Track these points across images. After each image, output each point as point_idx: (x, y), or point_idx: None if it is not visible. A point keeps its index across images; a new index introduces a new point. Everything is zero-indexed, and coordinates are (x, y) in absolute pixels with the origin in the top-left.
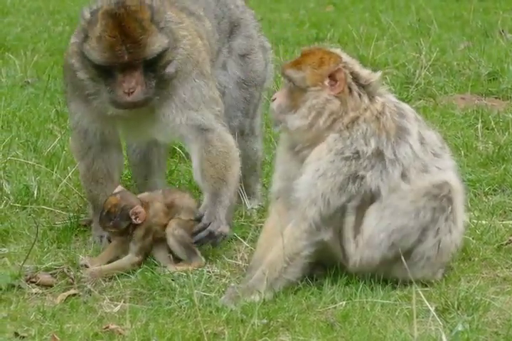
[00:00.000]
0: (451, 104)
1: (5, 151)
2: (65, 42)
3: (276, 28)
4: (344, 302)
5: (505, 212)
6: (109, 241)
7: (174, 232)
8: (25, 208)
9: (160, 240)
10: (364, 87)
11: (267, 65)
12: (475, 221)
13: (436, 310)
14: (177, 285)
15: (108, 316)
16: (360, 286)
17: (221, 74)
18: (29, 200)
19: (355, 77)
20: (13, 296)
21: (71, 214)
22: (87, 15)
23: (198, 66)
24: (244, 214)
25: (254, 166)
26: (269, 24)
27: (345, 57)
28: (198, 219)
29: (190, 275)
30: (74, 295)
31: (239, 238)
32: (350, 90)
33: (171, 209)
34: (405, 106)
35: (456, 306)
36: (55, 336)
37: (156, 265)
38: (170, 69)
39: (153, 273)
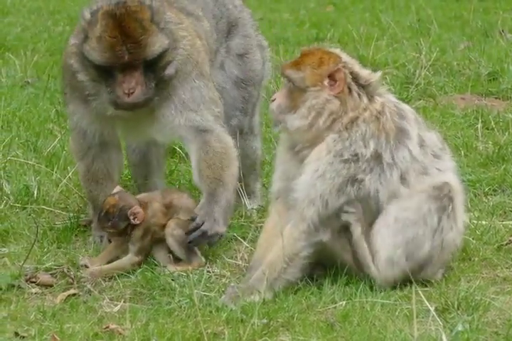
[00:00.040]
0: (451, 104)
1: (5, 151)
2: (65, 43)
3: (276, 28)
4: (344, 302)
5: (505, 213)
6: (109, 241)
7: (173, 232)
8: (25, 208)
9: (159, 240)
10: (364, 87)
11: (264, 63)
12: (475, 221)
13: (436, 310)
14: (177, 285)
15: (108, 316)
16: (360, 286)
17: (219, 74)
18: (29, 200)
19: (355, 77)
20: (13, 296)
21: (71, 214)
22: (87, 15)
23: (197, 66)
24: (244, 214)
25: (253, 165)
26: (269, 24)
27: (344, 57)
28: (193, 219)
29: (190, 275)
30: (74, 295)
31: (239, 238)
32: (350, 90)
33: (169, 209)
34: (405, 106)
35: (456, 306)
36: (55, 336)
37: (156, 265)
38: (170, 70)
39: (153, 273)
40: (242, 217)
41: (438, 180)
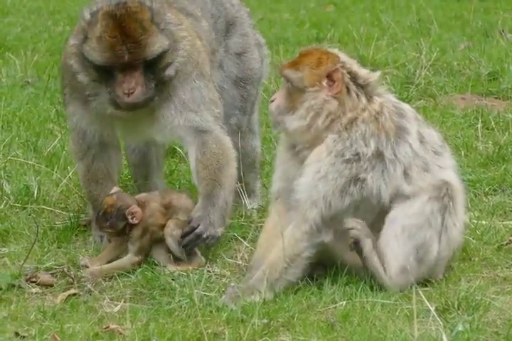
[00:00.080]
0: (451, 104)
1: (5, 151)
2: (65, 43)
3: (276, 28)
4: (344, 302)
5: (505, 212)
6: (109, 241)
7: (172, 233)
8: (25, 208)
9: (159, 240)
10: (363, 86)
11: (262, 61)
12: (475, 221)
13: (436, 309)
14: (177, 285)
15: (108, 316)
16: (361, 286)
17: (218, 73)
18: (29, 200)
19: (354, 77)
20: (13, 296)
21: (71, 214)
22: (87, 16)
23: (197, 67)
24: (244, 214)
25: (253, 163)
26: (269, 24)
27: (343, 57)
28: (189, 222)
29: (191, 275)
30: (74, 294)
31: (239, 238)
32: (348, 90)
33: (168, 209)
34: (405, 105)
35: (456, 306)
36: (56, 336)
37: (156, 265)
38: (170, 71)
39: (153, 272)
40: (242, 216)
41: (438, 179)
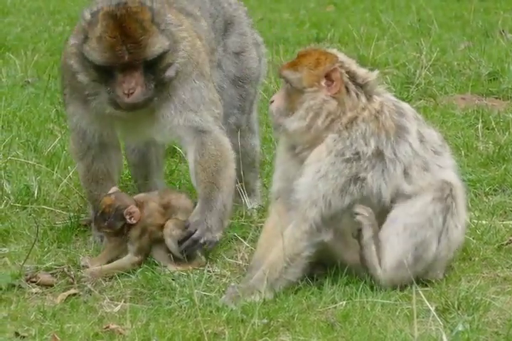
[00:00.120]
0: (451, 104)
1: (5, 151)
2: (65, 43)
3: (276, 28)
4: (344, 302)
5: (505, 212)
6: (109, 241)
7: (172, 233)
8: (25, 208)
9: (158, 240)
10: (361, 86)
11: (260, 60)
12: (475, 221)
13: (436, 309)
14: (177, 285)
15: (108, 316)
16: (361, 286)
17: (217, 73)
18: (29, 200)
19: (352, 77)
20: (13, 296)
21: (71, 214)
22: (88, 16)
23: (198, 67)
24: (244, 214)
25: (252, 162)
26: (269, 24)
27: (341, 56)
28: (187, 227)
29: (191, 274)
30: (74, 294)
31: (239, 238)
32: (348, 90)
33: (167, 209)
34: (404, 104)
35: (456, 306)
36: (56, 336)
37: (156, 265)
38: (170, 72)
39: (153, 272)
40: (242, 216)
41: (439, 179)
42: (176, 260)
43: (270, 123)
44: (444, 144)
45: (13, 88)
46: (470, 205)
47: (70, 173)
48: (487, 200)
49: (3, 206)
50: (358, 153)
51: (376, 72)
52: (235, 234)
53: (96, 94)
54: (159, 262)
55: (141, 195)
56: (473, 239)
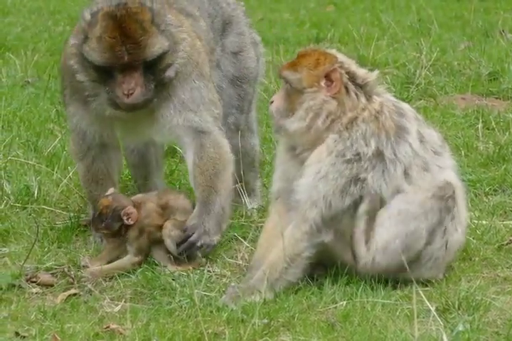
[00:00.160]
0: (451, 104)
1: (5, 151)
2: (65, 43)
3: (276, 28)
4: (345, 302)
5: (505, 212)
6: (108, 242)
7: (171, 233)
8: (25, 208)
9: (158, 241)
10: (361, 86)
11: (258, 59)
12: (475, 221)
13: (436, 309)
14: (177, 285)
15: (109, 316)
16: (361, 286)
17: (215, 73)
18: (30, 200)
19: (352, 77)
20: (13, 296)
21: (71, 214)
22: (88, 16)
23: (197, 67)
24: (244, 214)
25: (252, 162)
26: (269, 24)
27: (341, 57)
28: (184, 231)
29: (191, 274)
30: (74, 294)
31: (239, 238)
32: (347, 90)
33: (165, 210)
34: (404, 105)
35: (456, 306)
36: (56, 336)
37: (156, 265)
38: (170, 72)
39: (153, 272)
40: (242, 216)
41: (440, 179)
42: (176, 260)
43: (270, 123)
44: (444, 144)
45: (13, 88)
46: (470, 205)
47: (70, 173)
48: (487, 200)
49: (3, 206)
50: (358, 154)
51: (376, 73)
52: (235, 234)
53: (96, 95)
54: (159, 262)
55: (138, 196)
56: (474, 239)
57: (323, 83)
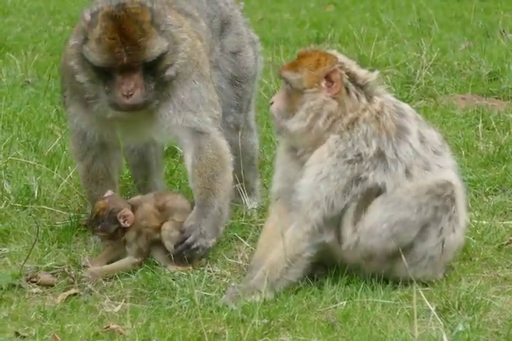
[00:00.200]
0: (451, 104)
1: (6, 151)
2: (65, 43)
3: (277, 28)
4: (345, 302)
5: (505, 212)
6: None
7: (170, 235)
8: (25, 208)
9: (157, 242)
10: (362, 87)
11: (256, 58)
12: (476, 221)
13: (436, 309)
14: (178, 285)
15: (109, 316)
16: (361, 286)
17: (214, 73)
18: (30, 200)
19: (352, 78)
20: (13, 296)
21: (72, 214)
22: (88, 17)
23: (197, 68)
24: (244, 214)
25: (251, 161)
26: (269, 24)
27: (341, 57)
28: (182, 232)
29: (191, 274)
30: (75, 294)
31: (239, 238)
32: (348, 91)
33: (163, 212)
34: (405, 105)
35: (456, 306)
36: (56, 336)
37: (156, 265)
38: (170, 73)
39: (153, 272)
40: (242, 216)
41: (441, 178)
42: (176, 260)
43: (270, 124)
44: (444, 144)
45: (13, 88)
46: (470, 205)
47: (70, 173)
48: (487, 200)
49: (3, 206)
50: (359, 155)
51: (376, 73)
52: (235, 234)
53: (96, 97)
54: (159, 262)
55: (136, 198)
56: (474, 239)
57: (323, 84)
